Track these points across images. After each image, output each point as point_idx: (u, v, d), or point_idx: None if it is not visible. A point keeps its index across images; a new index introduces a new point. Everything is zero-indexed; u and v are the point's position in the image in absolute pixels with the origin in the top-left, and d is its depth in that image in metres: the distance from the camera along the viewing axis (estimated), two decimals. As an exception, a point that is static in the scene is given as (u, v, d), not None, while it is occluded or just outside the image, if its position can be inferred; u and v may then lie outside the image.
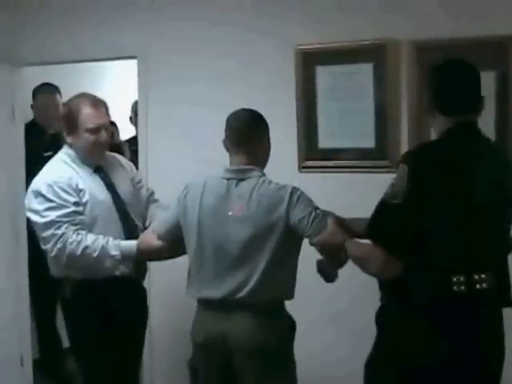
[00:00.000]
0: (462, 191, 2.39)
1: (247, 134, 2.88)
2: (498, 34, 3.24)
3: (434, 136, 2.60)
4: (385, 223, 2.42)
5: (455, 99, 2.50)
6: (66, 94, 4.71)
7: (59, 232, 3.11)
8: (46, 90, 5.02)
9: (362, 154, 3.59)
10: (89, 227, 3.18)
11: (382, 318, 2.54)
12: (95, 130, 3.23)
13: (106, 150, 3.38)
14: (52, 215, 3.12)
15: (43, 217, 3.14)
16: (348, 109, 3.64)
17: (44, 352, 5.07)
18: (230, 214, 2.78)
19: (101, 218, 3.22)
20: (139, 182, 3.55)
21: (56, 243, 3.11)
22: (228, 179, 2.84)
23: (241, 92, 3.86)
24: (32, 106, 5.05)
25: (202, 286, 2.87)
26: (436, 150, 2.44)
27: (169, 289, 3.93)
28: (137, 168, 4.15)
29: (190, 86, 4.02)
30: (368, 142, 3.58)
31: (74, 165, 3.27)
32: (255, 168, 2.85)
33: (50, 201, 3.14)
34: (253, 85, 3.85)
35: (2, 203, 4.40)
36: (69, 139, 3.30)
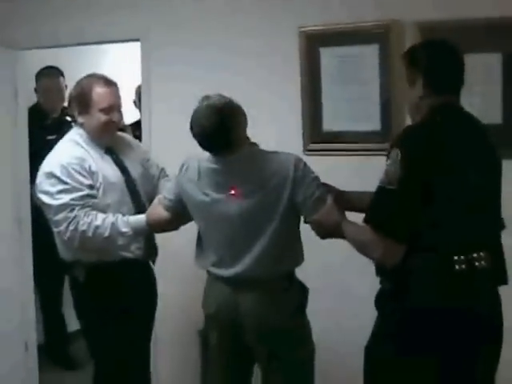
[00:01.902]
0: (458, 172, 2.41)
1: (218, 142, 2.80)
2: (504, 15, 3.24)
3: (414, 114, 2.59)
4: (383, 209, 2.42)
5: (448, 77, 2.54)
6: (69, 78, 4.83)
7: (71, 215, 3.11)
8: (50, 74, 5.04)
9: (366, 136, 3.59)
10: (101, 211, 3.17)
11: (381, 302, 2.56)
12: (108, 110, 3.24)
13: (116, 130, 3.39)
14: (65, 198, 3.12)
15: (56, 199, 3.13)
16: (353, 91, 3.65)
17: (49, 337, 5.12)
18: (229, 193, 2.80)
19: (113, 201, 3.23)
20: (148, 160, 3.55)
21: (68, 226, 3.11)
22: (217, 161, 2.84)
23: (244, 73, 3.88)
24: (35, 89, 5.07)
25: (212, 262, 2.92)
26: (428, 132, 2.43)
27: (178, 258, 3.92)
28: None
29: (194, 68, 4.03)
30: (373, 124, 3.59)
31: (86, 146, 3.27)
32: (241, 146, 2.83)
33: (64, 183, 3.13)
34: (257, 66, 3.87)
35: (5, 187, 4.43)
36: (80, 119, 3.30)
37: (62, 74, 5.07)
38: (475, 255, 2.40)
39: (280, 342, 2.86)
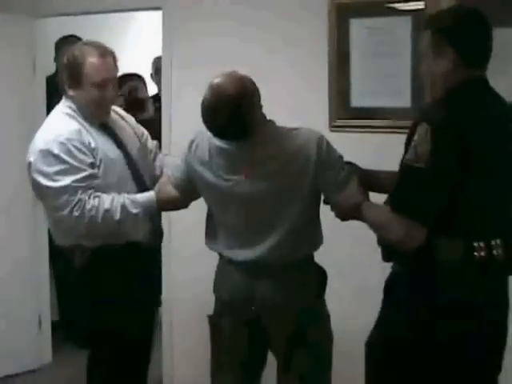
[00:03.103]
0: (488, 150, 2.31)
1: (233, 131, 2.64)
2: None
3: (438, 87, 2.44)
4: (408, 189, 2.32)
5: (480, 49, 2.42)
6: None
7: (75, 198, 2.87)
8: (71, 43, 4.91)
9: (397, 113, 3.46)
10: (102, 191, 2.95)
11: (393, 286, 2.49)
12: (101, 85, 2.99)
13: (111, 107, 3.15)
14: (66, 179, 2.87)
15: (55, 181, 2.87)
16: (383, 65, 3.54)
17: (64, 314, 5.05)
18: (244, 174, 2.68)
19: (115, 179, 3.02)
20: (143, 134, 3.36)
21: (72, 211, 2.87)
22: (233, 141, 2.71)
23: (271, 47, 3.78)
24: (55, 58, 4.97)
25: (225, 244, 2.82)
26: (460, 107, 2.32)
27: (188, 238, 3.87)
28: (160, 126, 4.11)
29: (217, 41, 3.92)
30: (404, 100, 3.46)
31: (80, 119, 3.02)
32: (257, 126, 2.68)
33: (64, 162, 2.88)
34: (283, 39, 3.76)
35: (22, 159, 4.33)
36: (71, 92, 3.04)
37: (83, 44, 4.94)
38: (493, 243, 2.32)
39: (298, 327, 2.77)
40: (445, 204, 2.29)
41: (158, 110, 4.42)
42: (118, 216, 2.92)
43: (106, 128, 3.11)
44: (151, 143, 3.38)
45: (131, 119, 3.36)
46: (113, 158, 3.04)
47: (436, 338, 2.34)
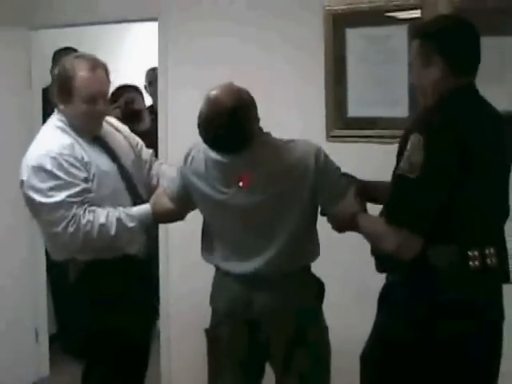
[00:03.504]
0: (481, 158, 2.30)
1: (230, 144, 2.63)
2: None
3: (428, 96, 2.45)
4: (402, 199, 2.32)
5: (469, 57, 2.42)
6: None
7: (69, 214, 2.83)
8: (68, 54, 4.88)
9: (394, 123, 3.43)
10: (97, 205, 2.91)
11: (388, 296, 2.47)
12: (92, 99, 2.94)
13: (102, 121, 3.10)
14: (60, 195, 2.82)
15: (49, 196, 2.83)
16: (380, 75, 3.54)
17: (61, 326, 5.01)
18: (241, 186, 2.66)
19: (109, 193, 2.98)
20: (137, 144, 3.31)
21: (67, 226, 2.83)
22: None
23: (265, 55, 3.78)
24: (51, 70, 4.93)
25: (222, 257, 2.80)
26: (451, 116, 2.30)
27: (184, 250, 3.86)
28: (156, 136, 4.09)
29: (214, 51, 3.92)
30: (401, 110, 3.46)
31: (72, 133, 2.97)
32: (253, 138, 2.66)
33: (57, 177, 2.83)
34: (279, 48, 3.76)
35: (18, 172, 4.31)
36: (61, 106, 3.00)
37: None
38: (487, 251, 2.32)
39: (297, 339, 2.75)
40: (439, 213, 2.28)
41: (154, 121, 4.40)
42: (113, 230, 2.89)
43: (99, 140, 3.06)
44: (146, 153, 3.34)
45: (125, 129, 3.32)
46: (106, 171, 3.00)
47: (434, 341, 2.33)
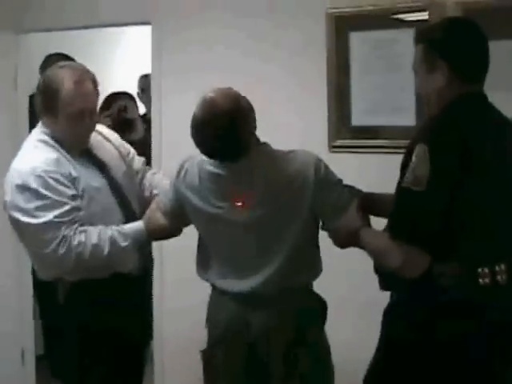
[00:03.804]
0: (491, 170, 2.30)
1: (226, 151, 2.62)
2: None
3: (433, 104, 2.44)
4: (407, 213, 2.30)
5: (476, 63, 2.40)
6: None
7: (59, 235, 2.77)
8: (58, 60, 4.87)
9: (400, 132, 3.41)
10: (87, 223, 2.87)
11: (390, 316, 2.46)
12: (78, 116, 2.87)
13: (90, 135, 3.03)
14: (48, 215, 2.77)
15: (36, 217, 2.77)
16: (385, 81, 3.53)
17: (49, 348, 4.99)
18: (237, 200, 2.65)
19: (99, 209, 2.94)
20: (129, 153, 3.26)
21: (58, 248, 2.78)
22: (224, 165, 2.68)
23: (265, 61, 3.76)
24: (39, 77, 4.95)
25: (218, 275, 2.79)
26: (459, 125, 2.29)
27: (180, 270, 3.81)
28: (150, 145, 4.10)
29: (210, 56, 3.91)
30: (408, 119, 3.45)
31: (58, 146, 2.91)
32: (250, 148, 2.66)
33: (43, 197, 2.78)
34: (278, 53, 3.75)
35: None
36: (45, 118, 2.94)
37: (72, 61, 4.90)
38: (497, 268, 2.30)
39: (297, 361, 2.73)
40: (446, 227, 2.26)
41: (147, 130, 4.40)
42: (106, 250, 2.85)
43: (88, 153, 3.02)
44: (138, 162, 3.31)
45: (115, 138, 3.28)
46: (96, 186, 2.95)
47: (442, 360, 2.32)
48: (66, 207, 2.81)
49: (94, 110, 2.97)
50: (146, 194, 3.24)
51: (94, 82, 2.95)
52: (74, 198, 2.84)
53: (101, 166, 3.02)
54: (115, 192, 3.02)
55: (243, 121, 2.59)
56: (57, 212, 2.78)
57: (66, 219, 2.80)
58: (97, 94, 2.98)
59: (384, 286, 2.47)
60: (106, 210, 2.96)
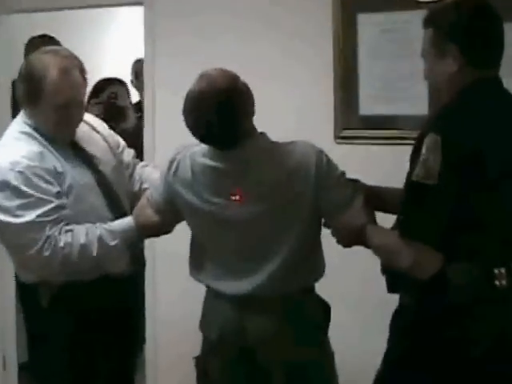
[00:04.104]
0: (507, 161, 2.28)
1: (222, 135, 2.59)
2: None
3: (443, 91, 2.43)
4: (418, 209, 2.29)
5: (490, 47, 2.38)
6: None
7: (42, 235, 2.74)
8: (44, 43, 4.83)
9: (412, 122, 3.38)
10: (74, 221, 2.83)
11: (400, 321, 2.45)
12: (64, 107, 2.83)
13: (76, 127, 2.98)
14: (31, 214, 2.73)
15: (18, 216, 2.73)
16: (396, 67, 3.53)
17: (33, 355, 4.96)
18: (233, 196, 2.63)
19: (87, 207, 2.90)
20: (118, 145, 3.23)
21: (42, 250, 2.75)
22: (217, 156, 2.65)
23: (264, 45, 3.75)
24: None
25: (213, 275, 2.78)
26: (473, 114, 2.28)
27: (173, 267, 3.77)
28: (142, 136, 4.10)
29: (207, 38, 3.89)
30: (420, 107, 3.42)
31: (41, 139, 2.86)
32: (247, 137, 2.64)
33: (25, 195, 2.74)
34: (279, 36, 3.74)
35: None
36: (28, 109, 2.90)
37: (58, 44, 4.86)
38: None
39: (298, 368, 2.74)
40: (460, 225, 2.25)
41: (140, 119, 4.39)
42: (95, 251, 2.82)
43: (74, 146, 2.97)
44: (128, 155, 3.28)
45: (104, 129, 3.24)
46: (84, 182, 2.91)
47: (454, 366, 2.31)
48: (50, 205, 2.77)
49: (81, 102, 2.93)
50: (136, 188, 3.22)
51: (82, 71, 2.90)
52: (58, 195, 2.81)
53: (89, 161, 2.98)
54: (104, 189, 2.99)
55: (241, 102, 2.58)
56: (40, 211, 2.74)
57: (50, 218, 2.76)
58: (85, 83, 2.94)
59: (392, 287, 2.46)
60: (93, 209, 2.93)
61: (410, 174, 2.31)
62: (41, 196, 2.76)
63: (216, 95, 2.53)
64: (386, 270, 2.46)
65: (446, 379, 2.33)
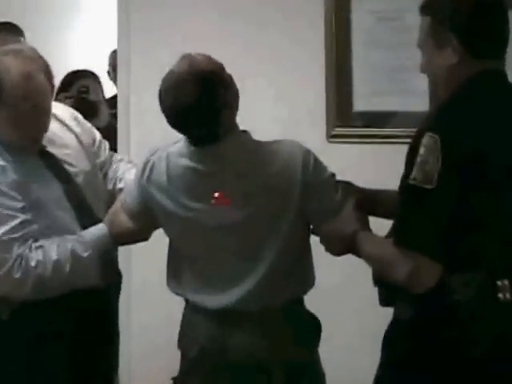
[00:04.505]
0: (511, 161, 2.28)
1: (202, 123, 2.57)
2: None
3: (443, 85, 2.41)
4: (415, 216, 2.26)
5: (493, 36, 2.36)
6: (30, 40, 4.60)
7: (11, 256, 2.71)
8: (5, 31, 4.70)
9: (412, 119, 3.34)
10: (42, 236, 2.80)
11: (395, 338, 2.42)
12: (26, 116, 2.77)
13: (41, 138, 2.90)
14: None
15: None
16: (394, 58, 3.55)
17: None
18: (213, 200, 2.61)
19: (52, 222, 2.84)
20: (94, 141, 3.16)
21: (12, 270, 2.71)
22: (195, 154, 2.63)
23: (254, 31, 3.77)
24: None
25: (193, 287, 2.76)
26: (475, 110, 2.27)
27: (149, 278, 3.86)
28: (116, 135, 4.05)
29: (190, 19, 3.89)
30: (420, 103, 3.39)
31: (2, 150, 2.81)
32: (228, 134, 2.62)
33: None
34: (268, 23, 3.75)
35: None
36: None
37: (21, 35, 4.83)
38: None
39: (290, 381, 2.72)
40: (461, 233, 2.24)
41: (115, 116, 4.35)
42: (68, 266, 2.78)
43: (42, 153, 2.92)
44: (104, 149, 3.23)
45: (77, 124, 3.16)
46: (50, 194, 2.86)
47: None
48: (16, 221, 2.74)
49: (46, 109, 2.86)
50: (109, 186, 3.19)
51: (48, 74, 2.84)
52: (24, 210, 2.78)
53: (58, 170, 2.94)
54: (73, 201, 2.95)
55: (225, 90, 2.56)
56: (5, 228, 2.72)
57: (17, 235, 2.73)
58: (51, 88, 2.89)
59: (385, 301, 2.46)
60: (60, 223, 2.88)
61: (405, 176, 2.28)
62: (4, 212, 2.73)
63: (199, 77, 2.50)
64: (378, 281, 2.45)
65: (446, 380, 2.32)
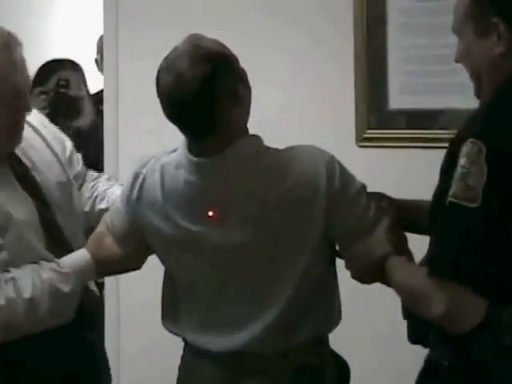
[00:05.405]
0: None
1: (201, 114, 2.52)
2: None
3: (486, 79, 2.38)
4: (458, 239, 2.21)
5: None
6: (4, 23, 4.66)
7: None
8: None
9: (456, 118, 3.36)
10: (12, 265, 2.80)
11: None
12: (12, 102, 2.79)
13: (20, 134, 2.93)
14: None
15: None
16: (436, 48, 3.56)
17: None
18: (216, 219, 2.57)
19: (23, 248, 2.83)
20: (64, 150, 3.16)
21: None
22: (195, 165, 2.59)
23: (267, 19, 3.83)
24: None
25: (193, 328, 2.73)
26: None
27: (142, 314, 3.88)
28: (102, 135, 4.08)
29: (181, 16, 3.95)
30: (468, 100, 3.15)
31: None
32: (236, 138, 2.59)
33: None
34: (287, 10, 3.79)
35: None
36: None
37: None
38: None
39: None
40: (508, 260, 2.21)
41: (101, 113, 4.38)
42: (46, 304, 2.77)
43: (14, 164, 2.93)
44: (77, 163, 3.25)
45: (48, 131, 3.18)
46: (23, 215, 2.86)
47: None
48: None
49: (23, 103, 2.88)
50: (87, 208, 3.20)
51: (22, 61, 2.83)
52: None
53: (27, 184, 2.95)
54: (46, 224, 2.95)
55: (234, 77, 2.54)
56: None
57: None
58: (26, 78, 2.89)
59: (415, 337, 2.47)
60: (31, 250, 2.88)
61: (442, 190, 2.28)
62: None
63: (205, 57, 2.47)
64: (408, 315, 2.45)
65: None
